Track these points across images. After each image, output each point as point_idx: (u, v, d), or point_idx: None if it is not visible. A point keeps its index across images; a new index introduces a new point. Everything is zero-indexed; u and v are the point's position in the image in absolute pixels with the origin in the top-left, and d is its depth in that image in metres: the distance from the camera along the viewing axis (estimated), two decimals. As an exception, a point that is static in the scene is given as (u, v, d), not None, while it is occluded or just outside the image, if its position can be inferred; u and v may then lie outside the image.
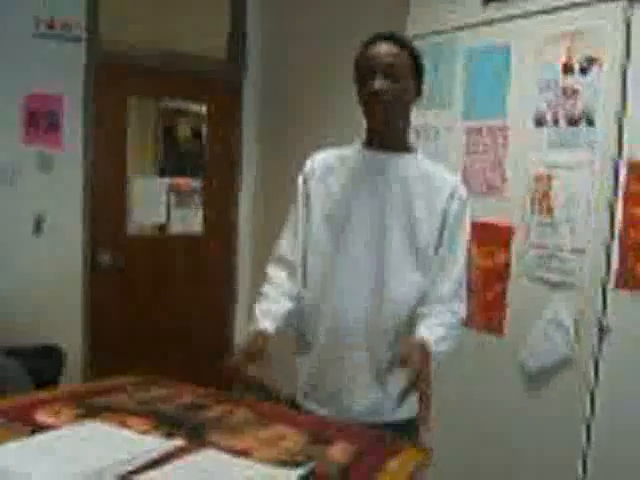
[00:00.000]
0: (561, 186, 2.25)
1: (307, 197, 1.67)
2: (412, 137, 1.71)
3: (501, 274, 2.44)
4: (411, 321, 1.56)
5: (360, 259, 1.58)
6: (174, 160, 4.06)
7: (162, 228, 3.95)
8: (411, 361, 1.36)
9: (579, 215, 2.20)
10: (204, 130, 4.11)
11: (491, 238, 2.46)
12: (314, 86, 3.74)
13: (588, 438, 2.15)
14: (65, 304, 3.51)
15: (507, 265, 2.43)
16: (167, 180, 3.92)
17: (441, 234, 1.59)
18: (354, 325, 1.57)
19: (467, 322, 2.49)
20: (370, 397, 1.60)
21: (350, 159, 1.66)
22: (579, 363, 2.17)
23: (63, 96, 3.43)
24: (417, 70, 1.61)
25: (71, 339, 3.47)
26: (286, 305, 1.61)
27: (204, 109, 4.08)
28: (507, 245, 2.42)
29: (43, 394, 1.52)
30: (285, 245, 1.69)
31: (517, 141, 2.41)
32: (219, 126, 4.09)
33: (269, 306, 1.59)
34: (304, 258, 1.66)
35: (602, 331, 2.12)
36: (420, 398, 1.32)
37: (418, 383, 1.33)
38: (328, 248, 1.62)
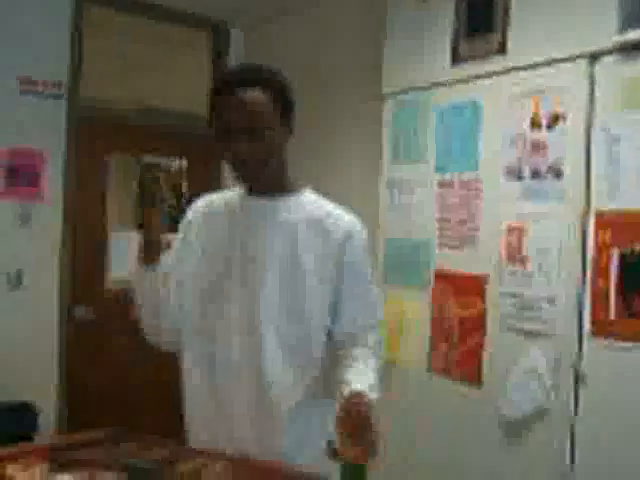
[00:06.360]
0: (533, 237, 2.30)
1: (187, 241, 1.61)
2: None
3: (477, 325, 2.46)
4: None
5: (233, 312, 1.49)
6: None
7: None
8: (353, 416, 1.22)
9: (551, 264, 2.24)
10: (184, 186, 4.14)
11: (466, 289, 2.49)
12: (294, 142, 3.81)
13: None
14: (40, 360, 3.46)
15: (482, 316, 2.45)
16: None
17: (337, 287, 1.48)
18: (232, 371, 1.49)
19: (445, 373, 2.53)
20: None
21: (232, 204, 1.60)
22: (556, 412, 2.18)
23: (44, 152, 3.46)
24: (286, 108, 1.50)
25: (45, 395, 3.41)
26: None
27: (185, 164, 4.11)
28: (482, 296, 2.45)
29: (14, 449, 1.49)
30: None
31: (489, 194, 2.48)
32: (199, 182, 4.10)
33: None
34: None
35: (578, 379, 2.13)
36: (367, 448, 1.19)
37: (365, 434, 1.19)
38: (199, 307, 1.54)
